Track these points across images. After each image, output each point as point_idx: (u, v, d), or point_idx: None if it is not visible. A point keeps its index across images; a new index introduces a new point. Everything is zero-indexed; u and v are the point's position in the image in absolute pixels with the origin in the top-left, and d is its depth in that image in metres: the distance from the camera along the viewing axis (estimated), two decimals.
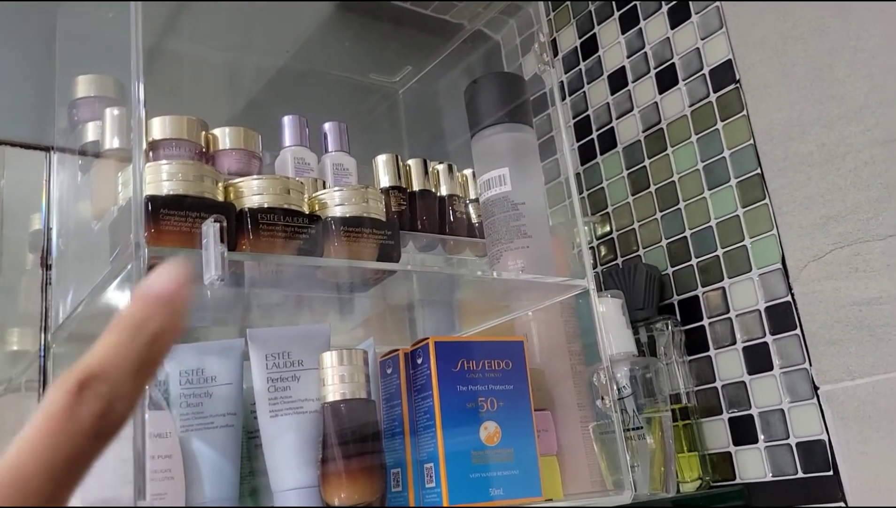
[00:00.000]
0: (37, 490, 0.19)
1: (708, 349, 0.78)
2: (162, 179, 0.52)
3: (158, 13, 0.80)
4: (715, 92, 0.80)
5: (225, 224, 0.49)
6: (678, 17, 0.84)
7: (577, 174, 0.94)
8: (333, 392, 0.60)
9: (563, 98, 0.97)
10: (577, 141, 0.95)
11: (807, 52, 0.72)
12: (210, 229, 0.49)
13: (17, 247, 0.80)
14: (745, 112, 0.77)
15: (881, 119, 0.67)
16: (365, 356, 0.62)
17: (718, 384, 0.77)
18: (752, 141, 0.76)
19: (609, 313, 0.75)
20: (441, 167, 0.80)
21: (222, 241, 0.49)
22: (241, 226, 0.54)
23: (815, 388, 0.69)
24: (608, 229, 0.90)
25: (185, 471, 0.60)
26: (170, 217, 0.50)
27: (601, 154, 0.92)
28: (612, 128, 0.91)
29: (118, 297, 0.52)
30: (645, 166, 0.87)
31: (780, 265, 0.73)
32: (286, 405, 0.62)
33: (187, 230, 0.50)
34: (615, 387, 0.72)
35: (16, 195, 0.81)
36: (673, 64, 0.84)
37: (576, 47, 0.96)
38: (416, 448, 0.64)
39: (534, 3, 0.83)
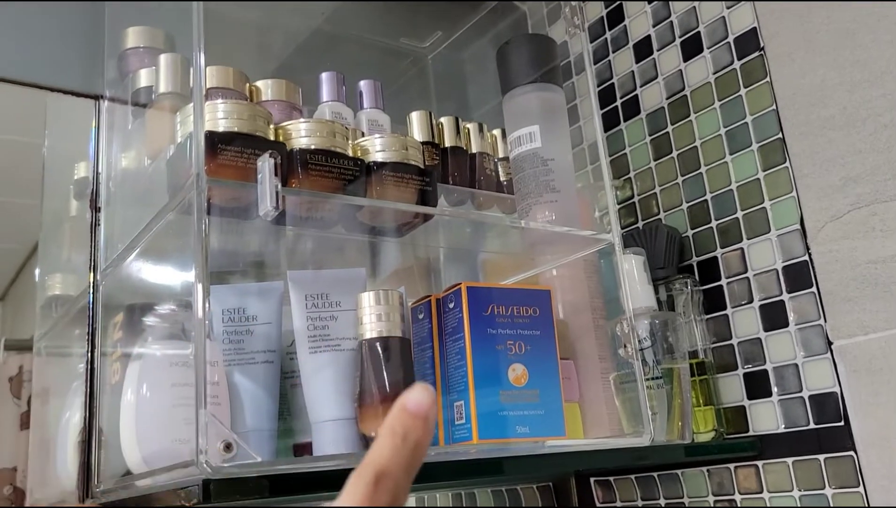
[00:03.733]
0: None
1: (725, 308, 0.81)
2: (218, 117, 0.55)
3: None
4: (739, 59, 0.82)
5: (279, 160, 0.52)
6: None
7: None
8: (371, 330, 0.63)
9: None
10: (601, 109, 0.97)
11: (830, 18, 0.75)
12: (266, 163, 0.51)
13: (61, 194, 0.83)
14: (768, 79, 0.79)
15: None
16: (401, 297, 0.65)
17: (734, 340, 0.80)
18: (774, 106, 0.79)
19: (631, 269, 0.78)
20: (472, 126, 0.82)
21: (277, 175, 0.52)
22: (290, 165, 0.57)
23: (829, 343, 0.72)
24: (629, 193, 0.93)
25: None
26: (227, 152, 0.53)
27: (624, 121, 0.94)
28: (637, 96, 0.93)
29: (179, 223, 0.55)
30: (668, 133, 0.89)
31: (798, 226, 0.76)
32: (325, 342, 0.65)
33: (243, 165, 0.53)
34: (636, 337, 0.75)
35: (59, 146, 0.85)
36: (698, 32, 0.87)
37: (602, 17, 0.99)
38: (447, 388, 0.67)
39: None
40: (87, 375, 0.68)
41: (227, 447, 0.47)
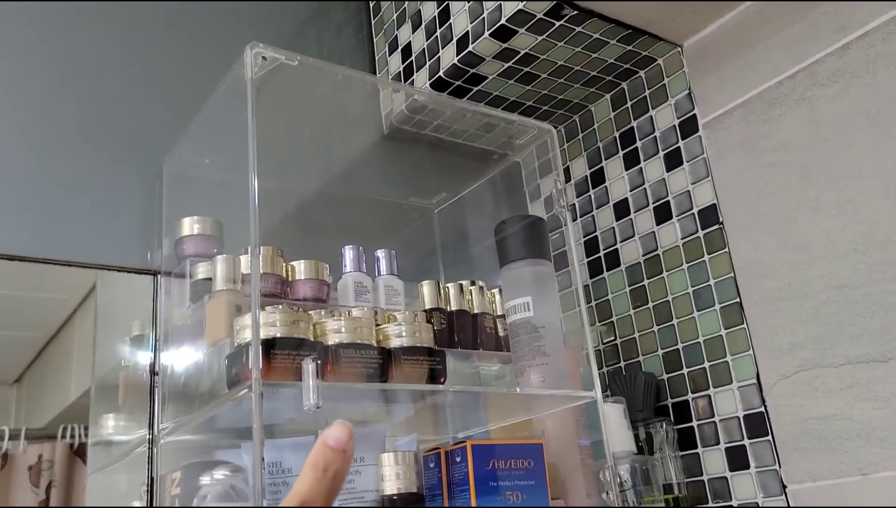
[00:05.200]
0: None
1: (697, 447, 0.93)
2: (269, 323, 0.68)
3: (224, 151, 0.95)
4: (702, 229, 0.96)
5: (319, 362, 0.65)
6: (672, 162, 1.01)
7: (587, 286, 1.10)
8: (390, 486, 0.75)
9: (575, 218, 1.13)
10: (587, 257, 1.11)
11: (776, 206, 0.88)
12: (309, 366, 0.64)
13: (113, 346, 0.95)
14: (727, 249, 0.93)
15: (834, 268, 0.82)
16: (416, 456, 0.77)
17: (705, 477, 0.91)
18: (732, 274, 0.92)
19: (612, 416, 0.90)
20: (474, 289, 0.95)
21: (318, 375, 0.64)
22: (326, 358, 0.69)
23: (784, 487, 0.84)
24: (612, 336, 1.05)
25: None
26: (276, 356, 0.66)
27: (607, 271, 1.08)
28: (617, 249, 1.07)
29: (231, 412, 0.67)
30: (644, 285, 1.02)
31: (755, 381, 0.88)
32: (350, 495, 0.77)
33: (290, 366, 0.66)
34: (618, 482, 0.87)
35: (113, 306, 0.97)
36: (668, 201, 1.01)
37: (586, 176, 1.13)
38: None
39: (552, 148, 0.99)
40: None
41: None
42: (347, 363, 0.70)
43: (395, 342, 0.76)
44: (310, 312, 0.73)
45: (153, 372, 0.85)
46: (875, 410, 0.77)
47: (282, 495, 0.78)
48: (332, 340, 0.71)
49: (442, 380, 0.77)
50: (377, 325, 0.77)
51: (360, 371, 0.71)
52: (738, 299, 0.91)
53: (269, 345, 0.66)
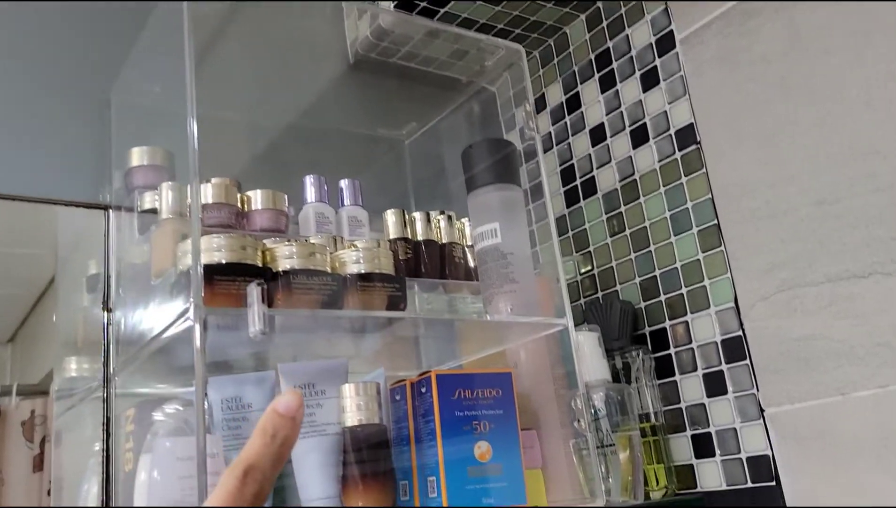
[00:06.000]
0: None
1: (674, 375, 0.90)
2: (213, 248, 0.64)
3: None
4: (679, 150, 0.92)
5: (265, 287, 0.61)
6: (649, 82, 0.96)
7: (563, 216, 1.06)
8: (351, 418, 0.72)
9: (552, 147, 1.09)
10: (564, 186, 1.07)
11: (755, 122, 0.84)
12: (254, 291, 0.61)
13: (73, 285, 0.92)
14: (704, 170, 0.89)
15: (813, 183, 0.78)
16: (378, 387, 0.74)
17: (683, 405, 0.89)
18: (710, 196, 0.88)
19: (587, 345, 0.87)
20: (442, 218, 0.92)
21: (264, 301, 0.61)
22: (276, 285, 0.66)
23: (762, 410, 0.81)
24: (590, 266, 1.02)
25: None
26: (220, 282, 0.62)
27: (584, 199, 1.04)
28: (593, 177, 1.03)
29: (174, 340, 0.64)
30: (621, 212, 0.99)
31: (733, 304, 0.85)
32: (312, 428, 0.74)
33: (235, 292, 0.62)
34: (592, 410, 0.84)
35: (71, 239, 0.94)
36: (644, 123, 0.96)
37: (562, 102, 1.09)
38: (421, 464, 0.76)
39: (522, 70, 0.95)
40: (103, 461, 0.77)
41: None
42: (299, 289, 0.67)
43: (351, 269, 0.72)
44: (264, 240, 0.70)
45: (106, 310, 0.81)
46: (854, 328, 0.74)
47: (242, 430, 0.76)
48: (284, 266, 0.68)
49: (402, 307, 0.74)
50: (334, 252, 0.74)
51: (314, 298, 0.68)
52: (715, 221, 0.87)
53: (213, 271, 0.62)
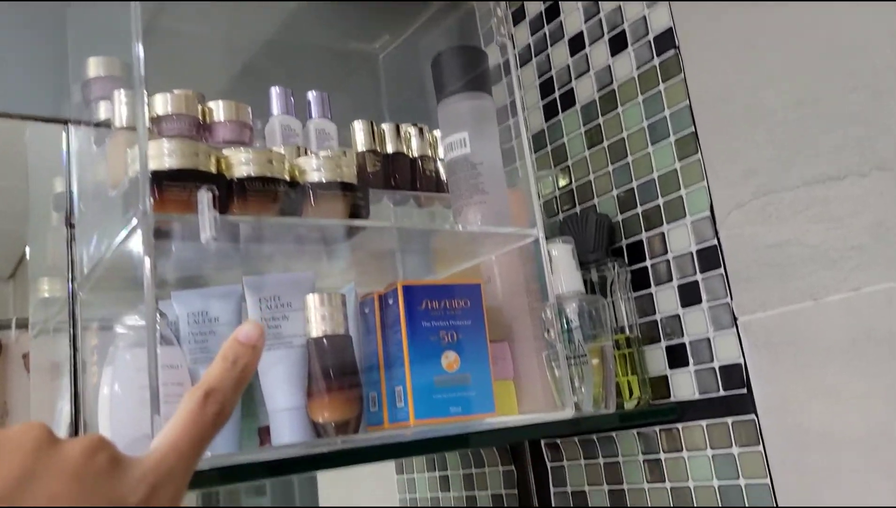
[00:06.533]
0: (186, 456, 0.34)
1: (650, 287, 0.89)
2: (164, 154, 0.62)
3: None
4: (658, 56, 0.89)
5: (216, 193, 0.60)
6: None
7: (542, 131, 1.04)
8: (316, 329, 0.71)
9: (530, 59, 1.06)
10: (542, 99, 1.04)
11: (733, 25, 0.81)
12: (203, 197, 0.59)
13: (44, 207, 0.91)
14: (682, 76, 0.86)
15: (792, 85, 0.76)
16: (343, 298, 0.73)
17: (658, 316, 0.88)
18: (688, 102, 0.85)
19: (560, 256, 0.85)
20: (413, 130, 0.89)
21: (214, 206, 0.59)
22: (231, 193, 0.64)
23: (735, 319, 0.80)
24: (568, 180, 1.00)
25: None
26: (171, 188, 0.60)
27: (562, 111, 1.01)
28: (572, 89, 1.00)
29: (130, 252, 0.63)
30: (599, 124, 0.96)
31: (708, 213, 0.83)
32: (278, 340, 0.74)
33: (185, 199, 0.61)
34: (565, 321, 0.83)
35: (39, 161, 0.93)
36: (623, 30, 0.93)
37: (541, 12, 1.05)
38: (389, 375, 0.76)
39: None
40: (70, 377, 0.77)
41: None
42: (255, 197, 0.65)
43: (311, 177, 0.70)
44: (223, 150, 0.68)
45: (69, 226, 0.80)
46: (829, 231, 0.73)
47: (209, 344, 0.75)
48: (239, 173, 0.66)
49: (364, 217, 0.72)
50: (293, 160, 0.72)
51: (270, 207, 0.66)
52: (693, 129, 0.85)
53: (162, 176, 0.61)
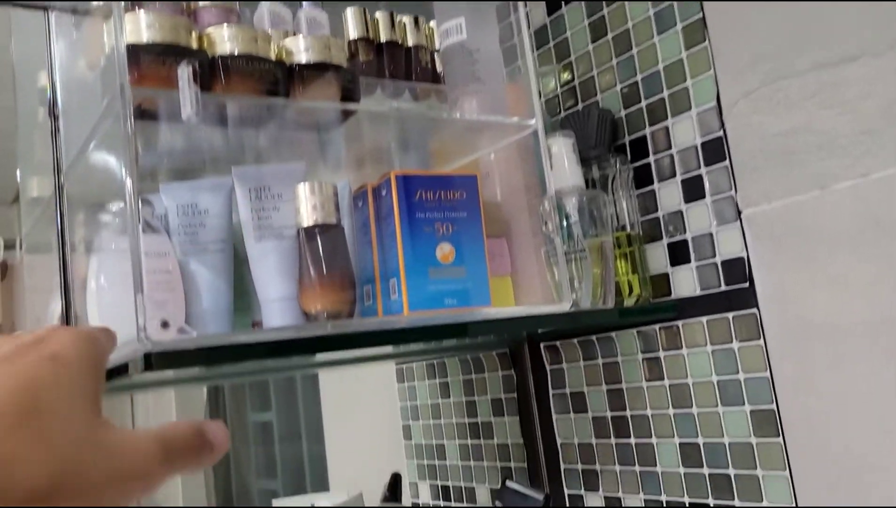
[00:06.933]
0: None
1: (653, 183, 0.87)
2: (141, 28, 0.59)
3: None
4: None
5: (197, 67, 0.57)
6: None
7: (545, 25, 1.00)
8: (307, 219, 0.69)
9: None
10: None
11: None
12: (184, 71, 0.57)
13: (30, 103, 0.88)
14: None
15: None
16: (335, 188, 0.71)
17: (660, 213, 0.86)
18: None
19: (560, 151, 0.83)
20: (408, 19, 0.86)
21: (195, 82, 0.57)
22: (214, 71, 0.62)
23: (739, 212, 0.78)
24: (570, 76, 0.96)
25: (185, 287, 0.70)
26: (149, 63, 0.58)
27: (566, 4, 0.97)
28: None
29: (112, 137, 0.61)
30: (604, 15, 0.92)
31: (715, 103, 0.80)
32: (269, 231, 0.72)
33: (165, 74, 0.58)
34: (564, 216, 0.81)
35: (25, 55, 0.90)
36: None
37: None
38: (384, 267, 0.74)
39: None
40: (60, 269, 0.76)
41: (164, 324, 0.55)
42: (238, 75, 0.62)
43: (299, 58, 0.67)
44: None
45: (52, 116, 0.78)
46: (839, 116, 0.70)
47: (199, 236, 0.73)
48: (222, 50, 0.63)
49: (356, 100, 0.69)
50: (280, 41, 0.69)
51: (255, 86, 0.63)
52: (700, 15, 0.81)
53: (140, 50, 0.58)
